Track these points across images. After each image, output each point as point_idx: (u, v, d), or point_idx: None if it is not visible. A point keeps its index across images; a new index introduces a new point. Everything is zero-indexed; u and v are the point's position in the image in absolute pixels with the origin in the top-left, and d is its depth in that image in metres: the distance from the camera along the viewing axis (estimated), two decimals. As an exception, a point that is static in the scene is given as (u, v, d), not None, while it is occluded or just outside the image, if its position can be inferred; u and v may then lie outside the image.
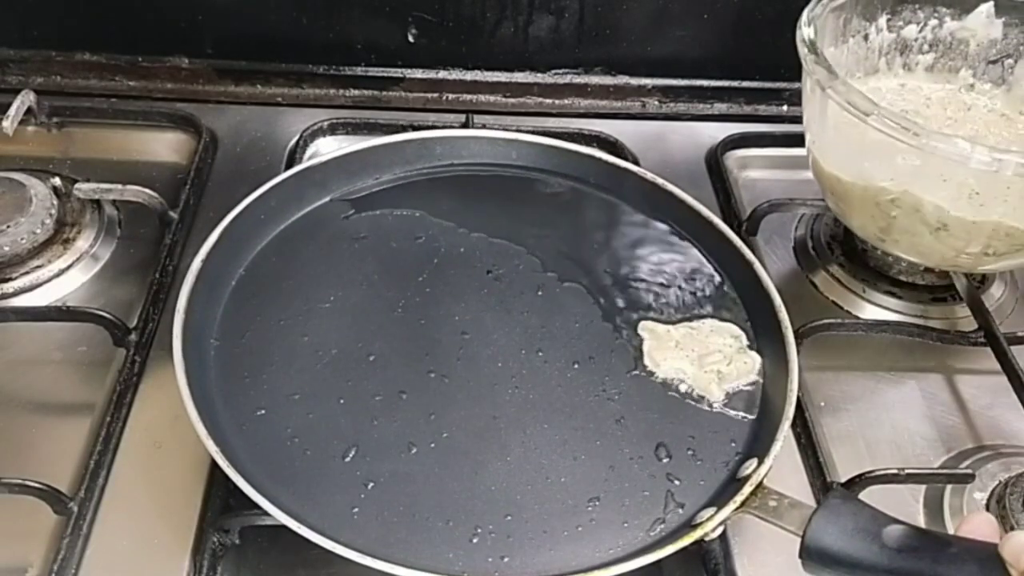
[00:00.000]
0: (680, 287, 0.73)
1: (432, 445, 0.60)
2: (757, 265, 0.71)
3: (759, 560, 0.61)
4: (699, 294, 0.72)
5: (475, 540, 0.56)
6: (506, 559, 0.55)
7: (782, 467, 0.65)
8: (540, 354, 0.67)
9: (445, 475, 0.59)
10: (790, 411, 0.61)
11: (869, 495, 0.63)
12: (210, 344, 0.65)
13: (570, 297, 0.71)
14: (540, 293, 0.71)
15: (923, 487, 0.67)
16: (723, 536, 0.62)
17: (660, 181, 0.78)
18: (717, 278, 0.74)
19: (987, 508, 0.64)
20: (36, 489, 0.58)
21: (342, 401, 0.62)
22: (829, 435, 0.70)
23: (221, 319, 0.67)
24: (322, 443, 0.60)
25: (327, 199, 0.76)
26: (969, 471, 0.66)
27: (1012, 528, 0.62)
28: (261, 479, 0.55)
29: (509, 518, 0.57)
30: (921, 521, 0.65)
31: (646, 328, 0.70)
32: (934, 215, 0.69)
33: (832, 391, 0.73)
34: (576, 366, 0.66)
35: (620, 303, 0.71)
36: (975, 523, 0.49)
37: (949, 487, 0.66)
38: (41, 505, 0.58)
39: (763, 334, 0.69)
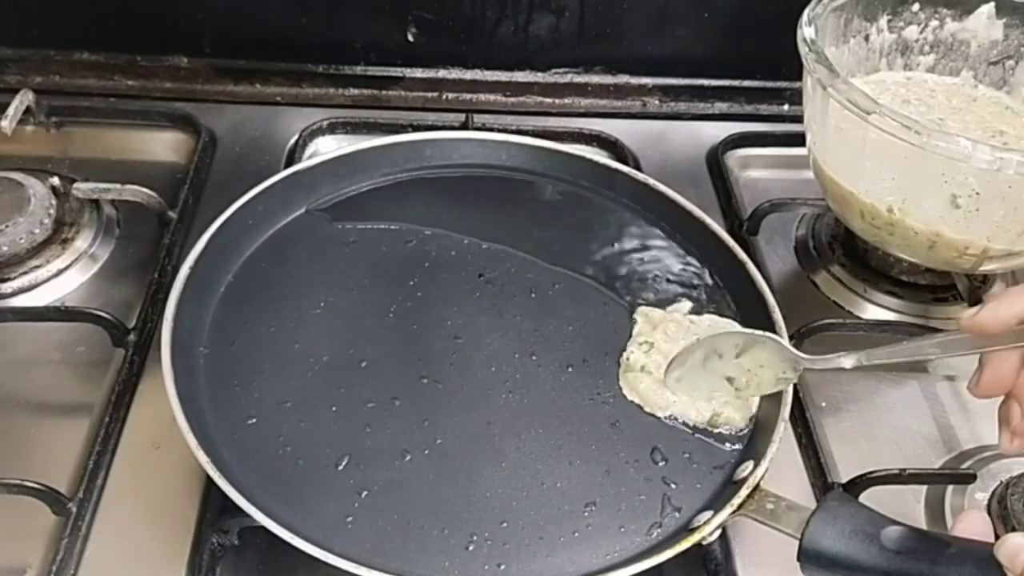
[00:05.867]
0: (674, 288, 0.73)
1: (426, 452, 0.60)
2: (750, 265, 0.70)
3: (760, 561, 0.61)
4: (693, 295, 0.72)
5: (471, 548, 0.56)
6: (503, 566, 0.55)
7: (783, 468, 0.65)
8: (534, 358, 0.67)
9: (440, 482, 0.59)
10: (785, 412, 0.61)
11: (870, 496, 0.63)
12: (199, 352, 0.64)
13: (563, 300, 0.71)
14: (533, 296, 0.71)
15: (924, 487, 0.67)
16: (724, 537, 0.62)
17: (651, 182, 0.78)
18: (710, 278, 0.73)
19: (988, 508, 0.64)
20: (35, 490, 0.58)
21: (334, 408, 0.62)
22: (830, 436, 0.69)
23: (210, 326, 0.66)
24: (314, 451, 0.59)
25: (316, 204, 0.76)
26: (970, 471, 0.66)
27: (1014, 528, 0.62)
28: (253, 489, 0.55)
29: (505, 525, 0.57)
30: (922, 521, 0.65)
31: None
32: (926, 235, 0.69)
33: (833, 391, 0.73)
34: (570, 369, 0.66)
35: (613, 305, 0.71)
36: (970, 521, 0.49)
37: (950, 487, 0.66)
38: (40, 506, 0.58)
39: (758, 333, 0.68)
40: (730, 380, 0.64)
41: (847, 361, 0.58)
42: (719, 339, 0.64)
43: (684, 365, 0.64)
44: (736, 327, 0.68)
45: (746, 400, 0.64)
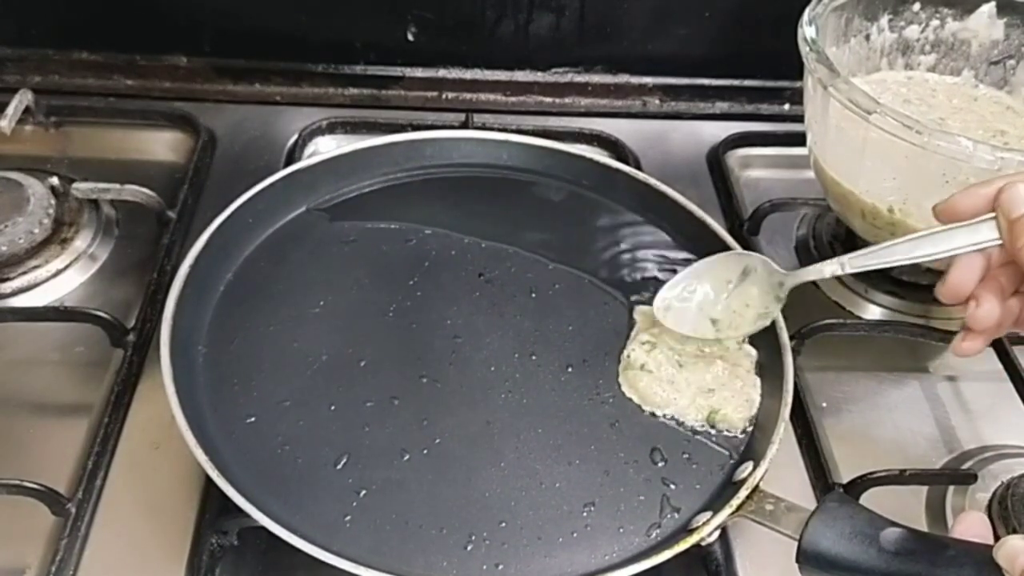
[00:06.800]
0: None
1: (425, 452, 0.60)
2: (751, 265, 0.70)
3: (761, 562, 0.61)
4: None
5: (469, 548, 0.56)
6: (501, 566, 0.55)
7: (783, 468, 0.65)
8: (533, 358, 0.66)
9: (438, 482, 0.59)
10: (786, 412, 0.61)
11: (871, 496, 0.63)
12: (199, 351, 0.64)
13: (563, 299, 0.71)
14: (533, 295, 0.71)
15: (925, 488, 0.67)
16: (724, 538, 0.61)
17: (652, 181, 0.77)
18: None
19: (989, 509, 0.64)
20: (34, 490, 0.58)
21: (333, 408, 0.62)
22: (831, 436, 0.69)
23: (209, 325, 0.66)
24: (313, 451, 0.59)
25: (315, 203, 0.76)
26: (971, 472, 0.66)
27: (1015, 529, 0.62)
28: (252, 488, 0.55)
29: (503, 525, 0.57)
30: (923, 522, 0.65)
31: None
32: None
33: (834, 392, 0.73)
34: (570, 369, 0.66)
35: (614, 305, 0.71)
36: (969, 523, 0.49)
37: (951, 488, 0.66)
38: (39, 506, 0.58)
39: (758, 335, 0.68)
40: (714, 322, 0.65)
41: (828, 269, 0.60)
42: (713, 273, 0.66)
43: (675, 297, 0.66)
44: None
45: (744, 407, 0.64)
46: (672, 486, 0.60)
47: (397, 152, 0.79)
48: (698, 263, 0.68)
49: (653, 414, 0.64)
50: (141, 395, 0.67)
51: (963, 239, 0.53)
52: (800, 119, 0.78)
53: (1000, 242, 0.52)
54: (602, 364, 0.66)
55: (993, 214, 0.52)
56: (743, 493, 0.56)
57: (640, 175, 0.78)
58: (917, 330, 0.75)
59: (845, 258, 0.59)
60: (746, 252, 0.67)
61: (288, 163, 0.85)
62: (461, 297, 0.70)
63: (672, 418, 0.64)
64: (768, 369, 0.65)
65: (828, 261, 0.60)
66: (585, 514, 0.58)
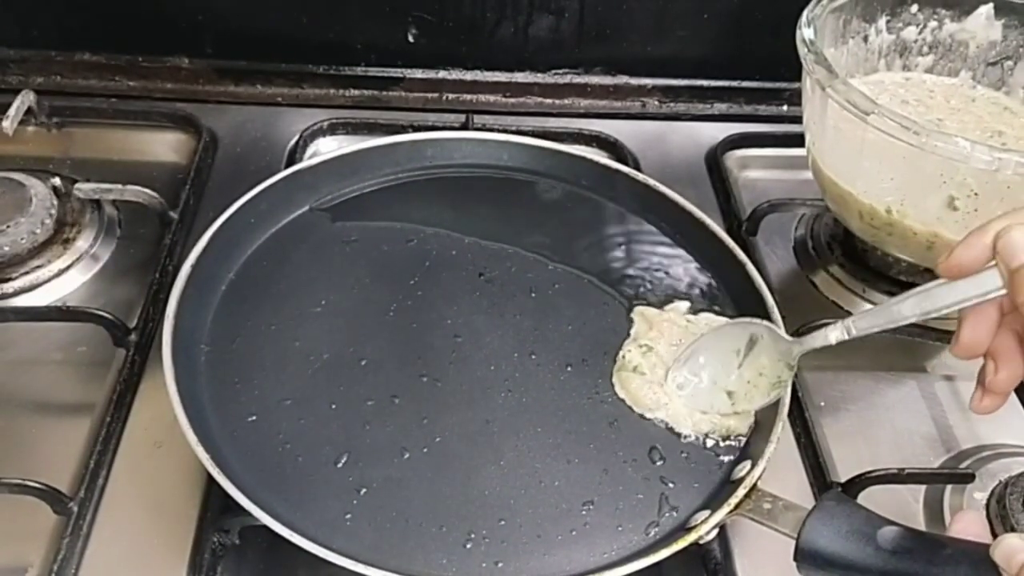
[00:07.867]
0: (673, 288, 0.73)
1: (425, 450, 0.60)
2: (749, 266, 0.70)
3: (760, 561, 0.61)
4: (692, 295, 0.72)
5: (469, 545, 0.56)
6: (500, 564, 0.55)
7: (782, 467, 0.65)
8: (533, 357, 0.67)
9: (438, 480, 0.59)
10: (784, 412, 0.61)
11: (869, 495, 0.63)
12: (200, 350, 0.64)
13: (563, 299, 0.71)
14: (533, 295, 0.71)
15: (923, 487, 0.67)
16: (723, 536, 0.62)
17: (652, 182, 0.78)
18: (709, 279, 0.73)
19: (987, 508, 0.64)
20: (36, 489, 0.58)
21: (334, 406, 0.62)
22: (829, 435, 0.69)
23: (211, 324, 0.66)
24: (314, 449, 0.60)
25: (317, 203, 0.76)
26: (969, 471, 0.66)
27: (1012, 528, 0.62)
28: (253, 486, 0.55)
29: (503, 523, 0.57)
30: (921, 521, 0.65)
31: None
32: (924, 236, 0.70)
33: (832, 391, 0.73)
34: (569, 369, 0.66)
35: (613, 305, 0.71)
36: (966, 522, 0.49)
37: (949, 487, 0.66)
38: (41, 505, 0.59)
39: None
40: (729, 394, 0.64)
41: (833, 335, 0.58)
42: (720, 344, 0.64)
43: (687, 374, 0.65)
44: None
45: (745, 413, 0.64)
46: (670, 485, 0.60)
47: (398, 153, 0.79)
48: (703, 337, 0.66)
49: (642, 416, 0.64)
50: (143, 394, 0.67)
51: (968, 291, 0.50)
52: (798, 120, 0.79)
53: (1005, 291, 0.49)
54: (601, 364, 0.67)
55: (994, 262, 0.49)
56: (741, 492, 0.56)
57: (639, 176, 0.79)
58: (915, 330, 0.75)
59: (849, 321, 0.57)
60: (749, 320, 0.65)
61: (289, 164, 0.86)
62: (461, 297, 0.70)
63: (663, 422, 0.64)
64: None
65: (833, 326, 0.58)
66: (584, 512, 0.58)
